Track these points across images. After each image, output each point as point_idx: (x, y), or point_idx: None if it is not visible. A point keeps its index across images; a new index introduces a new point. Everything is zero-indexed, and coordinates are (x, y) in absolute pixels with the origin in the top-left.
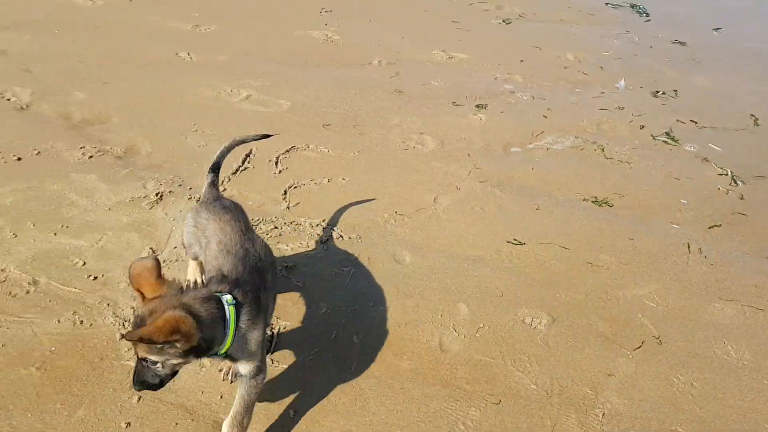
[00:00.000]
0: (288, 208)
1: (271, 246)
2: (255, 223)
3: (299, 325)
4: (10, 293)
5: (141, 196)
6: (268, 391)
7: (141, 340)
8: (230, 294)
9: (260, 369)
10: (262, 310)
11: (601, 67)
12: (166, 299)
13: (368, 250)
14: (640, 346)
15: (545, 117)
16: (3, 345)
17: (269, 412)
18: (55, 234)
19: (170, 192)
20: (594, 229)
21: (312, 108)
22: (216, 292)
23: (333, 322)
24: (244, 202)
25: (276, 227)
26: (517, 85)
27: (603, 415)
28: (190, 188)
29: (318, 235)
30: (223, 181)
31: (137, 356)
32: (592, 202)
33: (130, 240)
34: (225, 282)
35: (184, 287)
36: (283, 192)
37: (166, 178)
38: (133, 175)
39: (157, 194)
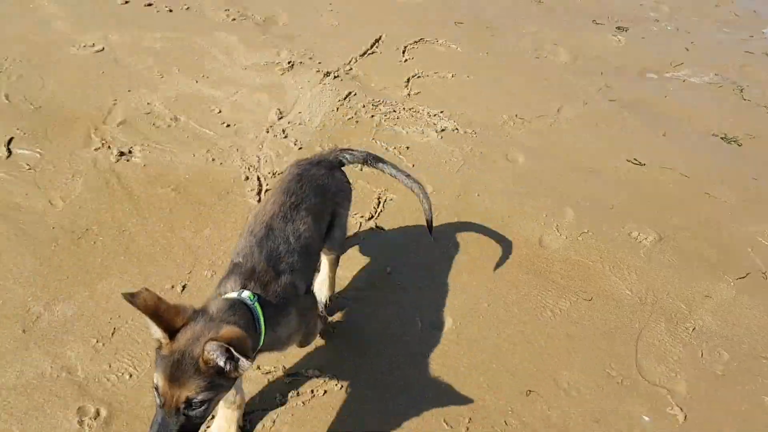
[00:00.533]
0: (409, 95)
1: (386, 127)
2: (374, 105)
3: (403, 199)
4: (153, 124)
5: (274, 62)
6: (366, 249)
7: (230, 344)
8: (246, 288)
9: (312, 325)
10: (290, 292)
11: (755, 11)
12: (198, 323)
13: (482, 146)
14: (744, 277)
15: (687, 50)
16: (144, 165)
17: (369, 266)
18: (197, 81)
19: (301, 63)
20: (718, 163)
21: (447, 4)
22: (231, 293)
23: (437, 203)
24: (366, 84)
25: (394, 111)
26: (663, 14)
27: (693, 329)
28: (319, 62)
29: (434, 124)
30: (350, 61)
31: (173, 405)
32: (721, 138)
33: (261, 99)
34: (236, 274)
35: (197, 308)
36: (406, 80)
37: (299, 49)
38: (270, 43)
39: (289, 62)
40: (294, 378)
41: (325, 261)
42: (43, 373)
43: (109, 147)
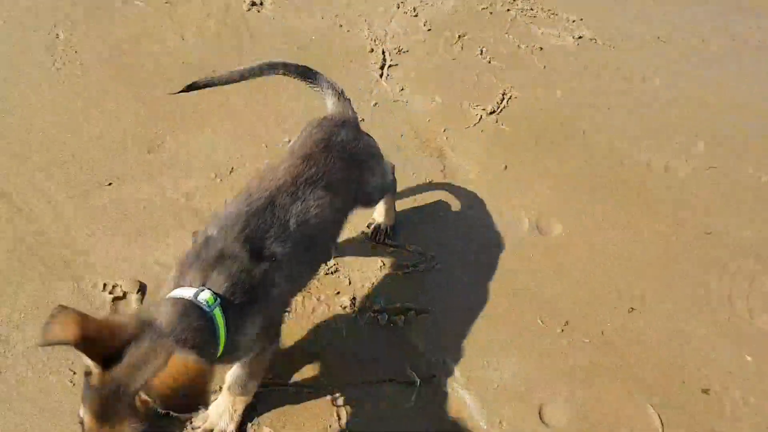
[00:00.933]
0: None
1: (521, 24)
2: (511, 1)
3: (530, 98)
4: None
5: None
6: (484, 142)
7: (174, 394)
8: (205, 287)
9: (265, 348)
10: (259, 302)
11: None
12: (142, 343)
13: (618, 61)
14: None
15: None
16: (273, 18)
17: (484, 158)
18: None
19: None
20: None
21: None
22: (187, 291)
23: (561, 110)
24: None
25: (532, 9)
26: None
27: None
28: None
29: (572, 30)
30: None
31: None
32: None
33: None
34: (198, 265)
35: (142, 317)
36: None
37: None
38: None
39: None
40: (396, 249)
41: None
42: (164, 194)
43: None
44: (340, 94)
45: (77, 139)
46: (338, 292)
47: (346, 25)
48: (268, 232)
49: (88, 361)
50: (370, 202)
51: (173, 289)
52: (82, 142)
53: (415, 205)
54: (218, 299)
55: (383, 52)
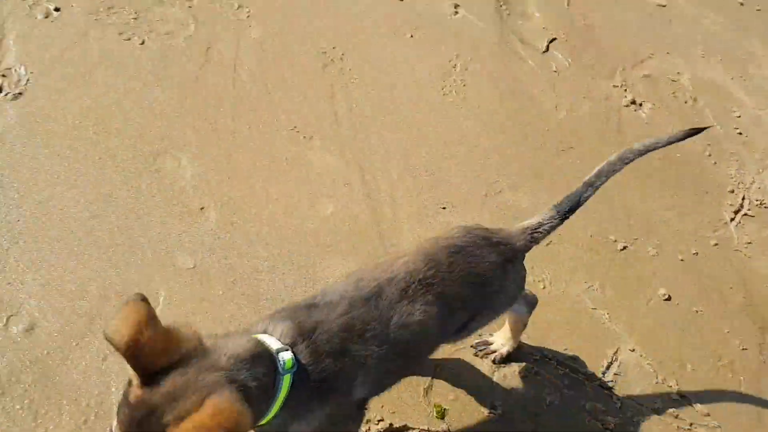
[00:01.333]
0: None
1: None
2: None
3: None
4: (673, 93)
5: None
6: None
7: None
8: (291, 351)
9: None
10: (339, 387)
11: None
12: (189, 369)
13: None
14: None
15: None
16: (647, 123)
17: None
18: (732, 78)
19: None
20: None
21: None
22: (269, 340)
23: None
24: None
25: None
26: None
27: None
28: None
29: None
30: None
31: None
32: None
33: None
34: (293, 321)
35: (205, 343)
36: None
37: None
38: None
39: None
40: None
41: None
42: None
43: (625, 90)
44: (540, 229)
45: (434, 159)
46: None
47: (715, 156)
48: (369, 324)
49: (131, 371)
50: (457, 338)
51: (259, 332)
52: (437, 161)
53: (720, 365)
54: (296, 366)
55: (743, 198)
